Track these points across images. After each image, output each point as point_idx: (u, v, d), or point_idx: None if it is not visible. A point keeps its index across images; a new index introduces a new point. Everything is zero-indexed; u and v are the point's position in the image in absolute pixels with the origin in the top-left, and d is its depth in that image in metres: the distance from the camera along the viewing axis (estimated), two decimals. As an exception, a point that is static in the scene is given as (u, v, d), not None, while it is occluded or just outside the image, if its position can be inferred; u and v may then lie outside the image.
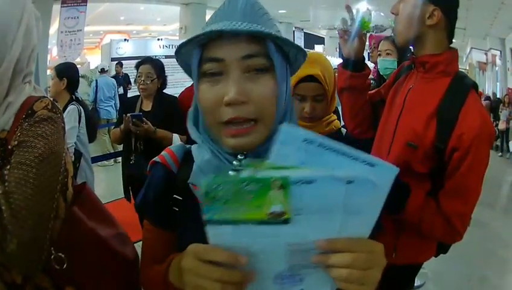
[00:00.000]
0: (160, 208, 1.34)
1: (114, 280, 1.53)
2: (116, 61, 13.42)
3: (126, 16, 22.09)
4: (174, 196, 1.32)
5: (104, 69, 12.16)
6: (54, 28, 13.90)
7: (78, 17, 13.37)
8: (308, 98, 2.38)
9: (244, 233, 0.87)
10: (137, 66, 4.84)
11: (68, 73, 4.82)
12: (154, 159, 1.39)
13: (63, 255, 1.36)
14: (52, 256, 1.38)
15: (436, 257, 2.46)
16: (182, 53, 1.21)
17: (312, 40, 28.59)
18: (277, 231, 0.87)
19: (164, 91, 4.95)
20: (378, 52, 4.19)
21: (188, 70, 1.27)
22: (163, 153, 1.39)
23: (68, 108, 4.54)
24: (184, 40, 1.15)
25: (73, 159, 4.25)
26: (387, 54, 3.91)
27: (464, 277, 5.67)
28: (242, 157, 1.17)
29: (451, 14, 2.14)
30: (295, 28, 24.43)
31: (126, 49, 13.89)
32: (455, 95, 2.04)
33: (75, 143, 4.49)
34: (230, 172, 1.04)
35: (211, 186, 0.84)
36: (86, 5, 13.54)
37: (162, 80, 4.88)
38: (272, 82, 1.12)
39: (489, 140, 2.04)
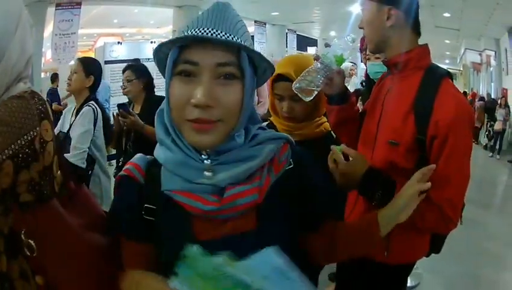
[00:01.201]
0: (133, 221, 1.36)
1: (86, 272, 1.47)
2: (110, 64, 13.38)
3: (119, 18, 22.01)
4: (146, 205, 1.34)
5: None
6: (48, 31, 13.84)
7: (72, 20, 13.34)
8: (285, 98, 2.48)
9: None
10: (122, 72, 4.91)
11: (97, 71, 4.57)
12: (120, 174, 1.41)
13: (33, 243, 1.32)
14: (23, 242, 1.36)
15: (427, 256, 2.46)
16: (161, 51, 1.31)
17: (305, 42, 28.58)
18: None
19: (158, 94, 4.95)
20: (367, 56, 4.19)
21: (162, 69, 1.35)
22: (127, 166, 1.42)
23: (83, 109, 4.25)
24: (165, 40, 1.26)
25: (85, 165, 4.06)
26: (376, 57, 3.91)
27: (458, 276, 5.68)
28: (206, 157, 1.29)
29: (409, 9, 2.15)
30: (288, 30, 24.39)
31: (119, 52, 13.83)
32: (428, 86, 2.07)
33: (88, 148, 4.11)
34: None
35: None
36: (80, 8, 13.54)
37: (146, 81, 4.90)
38: (239, 90, 1.25)
39: (468, 122, 2.05)
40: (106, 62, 12.97)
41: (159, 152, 1.36)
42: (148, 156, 1.45)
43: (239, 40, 1.23)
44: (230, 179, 1.28)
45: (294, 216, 1.44)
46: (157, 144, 1.40)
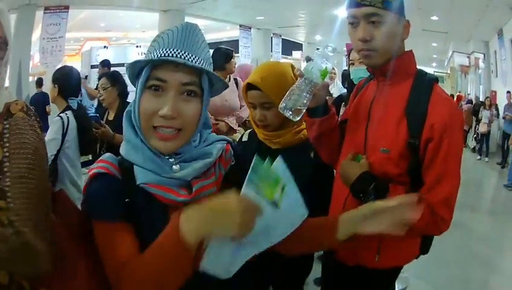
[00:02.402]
0: (117, 205, 1.46)
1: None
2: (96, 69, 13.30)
3: (106, 22, 22.00)
4: (127, 200, 1.47)
5: (86, 76, 12.11)
6: (36, 35, 13.86)
7: (59, 24, 13.42)
8: (257, 106, 2.50)
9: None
10: (98, 79, 5.05)
11: (59, 79, 4.66)
12: (94, 171, 1.51)
13: None
14: None
15: (417, 258, 2.43)
16: (135, 66, 1.50)
17: (290, 46, 28.75)
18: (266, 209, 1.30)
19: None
20: (351, 62, 4.14)
21: (133, 79, 1.56)
22: (100, 164, 1.54)
23: (54, 118, 4.38)
24: (139, 60, 1.47)
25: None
26: (361, 62, 3.87)
27: (447, 279, 5.67)
28: (172, 159, 1.52)
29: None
30: (273, 34, 24.42)
31: (105, 57, 13.79)
32: (420, 91, 2.08)
33: (56, 159, 4.23)
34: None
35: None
36: (68, 12, 13.60)
37: (121, 88, 5.03)
38: (198, 105, 1.51)
39: (460, 125, 2.09)
40: (92, 66, 12.95)
41: (128, 150, 1.54)
42: (116, 156, 1.58)
43: (203, 62, 1.49)
44: (194, 173, 1.51)
45: None
46: (124, 143, 1.57)
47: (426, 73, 2.20)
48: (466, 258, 6.41)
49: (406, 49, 2.19)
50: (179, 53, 1.43)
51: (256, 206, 1.26)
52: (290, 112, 1.99)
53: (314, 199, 1.85)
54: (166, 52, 1.43)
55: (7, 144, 1.42)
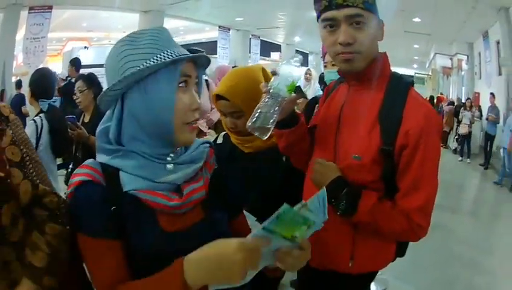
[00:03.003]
0: (102, 219, 1.41)
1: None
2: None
3: (88, 22, 21.99)
4: (113, 208, 1.42)
5: (67, 77, 12.01)
6: (20, 35, 13.85)
7: (43, 24, 13.47)
8: (226, 114, 2.48)
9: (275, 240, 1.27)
10: (74, 82, 5.03)
11: (32, 81, 4.73)
12: (79, 179, 1.45)
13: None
14: None
15: (393, 261, 2.40)
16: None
17: (268, 47, 28.87)
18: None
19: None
20: (324, 64, 4.11)
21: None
22: (84, 170, 1.48)
23: (29, 121, 4.39)
24: (167, 60, 1.45)
25: None
26: (333, 64, 3.84)
27: (429, 281, 5.69)
28: (173, 155, 1.55)
29: None
30: (252, 35, 24.57)
31: (86, 57, 13.70)
32: (395, 96, 2.02)
33: None
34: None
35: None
36: (51, 12, 13.63)
37: (97, 91, 4.94)
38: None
39: (436, 130, 2.06)
40: (74, 67, 12.83)
41: (111, 160, 1.49)
42: (98, 161, 1.53)
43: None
44: (185, 178, 1.53)
45: (225, 206, 1.69)
46: (100, 154, 1.53)
47: (401, 76, 2.16)
48: (448, 260, 6.43)
49: (385, 51, 2.17)
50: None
51: (258, 252, 1.26)
52: (258, 132, 1.94)
53: (288, 203, 1.85)
54: (180, 51, 1.50)
55: (21, 146, 1.48)
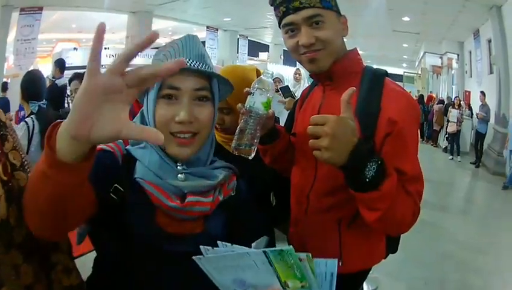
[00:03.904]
0: (102, 174, 1.40)
1: None
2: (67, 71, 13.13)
3: (77, 23, 21.97)
4: (116, 185, 1.47)
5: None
6: (11, 36, 13.87)
7: (33, 25, 13.53)
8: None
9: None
10: (69, 82, 4.92)
11: (22, 82, 4.76)
12: (101, 147, 1.53)
13: None
14: None
15: (385, 258, 2.37)
16: None
17: (256, 47, 29.00)
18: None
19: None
20: None
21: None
22: (111, 144, 1.58)
23: (21, 123, 4.42)
24: None
25: None
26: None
27: (420, 280, 5.67)
28: (180, 165, 1.56)
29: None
30: (240, 35, 24.73)
31: (75, 59, 13.66)
32: (370, 88, 1.99)
33: None
34: None
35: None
36: (41, 13, 13.66)
37: None
38: (211, 109, 1.58)
39: (416, 118, 2.03)
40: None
41: (133, 148, 1.58)
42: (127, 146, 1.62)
43: (209, 68, 1.57)
44: (192, 189, 1.53)
45: (231, 229, 1.69)
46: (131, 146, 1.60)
47: (374, 69, 2.11)
48: (440, 258, 6.44)
49: (355, 47, 2.17)
50: (188, 61, 1.52)
51: None
52: (243, 153, 1.93)
53: (277, 200, 1.80)
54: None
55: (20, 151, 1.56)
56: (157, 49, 1.67)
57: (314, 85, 2.35)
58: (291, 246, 1.22)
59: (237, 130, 1.94)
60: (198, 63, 1.54)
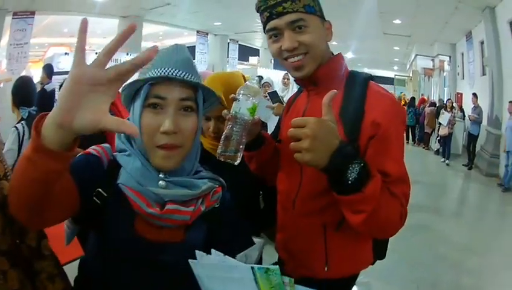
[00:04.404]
0: (86, 174, 1.49)
1: None
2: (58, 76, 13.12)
3: (69, 28, 21.96)
4: (99, 189, 1.52)
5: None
6: (4, 40, 13.88)
7: (25, 30, 13.52)
8: (212, 118, 2.43)
9: None
10: (60, 88, 4.93)
11: (13, 88, 4.80)
12: (89, 150, 1.61)
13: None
14: None
15: (373, 264, 2.35)
16: (132, 86, 1.56)
17: (247, 51, 29.08)
18: None
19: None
20: None
21: (127, 101, 1.63)
22: (98, 149, 1.63)
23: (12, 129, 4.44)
24: (139, 79, 1.54)
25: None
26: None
27: (413, 283, 5.67)
28: (163, 175, 1.55)
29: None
30: (230, 40, 24.70)
31: (66, 64, 13.59)
32: (354, 91, 1.99)
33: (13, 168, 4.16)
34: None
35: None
36: (34, 17, 13.72)
37: None
38: (195, 120, 1.59)
39: (401, 120, 2.02)
40: (54, 73, 12.73)
41: (119, 155, 1.61)
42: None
43: (196, 78, 1.58)
44: (172, 197, 1.54)
45: (211, 241, 1.62)
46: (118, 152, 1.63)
47: (358, 73, 2.13)
48: (432, 260, 6.44)
49: (340, 52, 2.15)
50: (174, 71, 1.52)
51: None
52: (229, 159, 1.93)
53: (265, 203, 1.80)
54: (163, 70, 1.52)
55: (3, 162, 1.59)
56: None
57: (301, 91, 2.35)
58: (277, 266, 1.24)
59: (223, 136, 1.94)
60: (184, 72, 1.54)
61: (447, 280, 5.91)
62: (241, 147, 1.94)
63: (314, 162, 1.64)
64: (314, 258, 2.12)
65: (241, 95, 1.94)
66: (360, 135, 1.88)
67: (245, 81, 2.17)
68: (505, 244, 7.55)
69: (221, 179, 1.78)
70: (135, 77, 1.42)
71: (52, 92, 9.42)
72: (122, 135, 1.63)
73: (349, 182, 1.64)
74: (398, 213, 1.83)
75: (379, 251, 2.34)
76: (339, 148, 1.64)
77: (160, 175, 1.55)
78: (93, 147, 1.63)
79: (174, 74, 1.51)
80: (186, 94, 1.54)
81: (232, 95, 1.97)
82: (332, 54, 2.15)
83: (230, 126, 1.93)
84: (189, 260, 1.37)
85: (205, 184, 1.64)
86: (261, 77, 10.22)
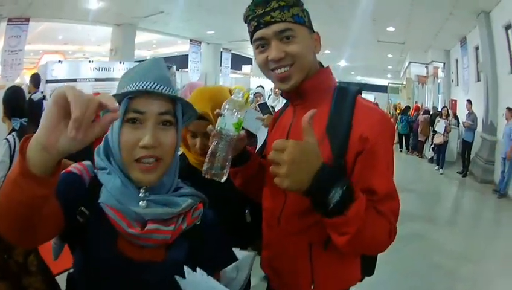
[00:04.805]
0: (70, 195, 1.47)
1: None
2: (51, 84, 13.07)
3: (64, 35, 22.05)
4: (82, 208, 1.51)
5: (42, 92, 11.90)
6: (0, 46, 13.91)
7: (20, 36, 13.59)
8: (198, 135, 2.40)
9: None
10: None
11: (4, 98, 4.76)
12: (70, 169, 1.59)
13: None
14: None
15: (361, 281, 2.28)
16: None
17: (239, 60, 29.18)
18: None
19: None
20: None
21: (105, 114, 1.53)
22: (79, 166, 1.61)
23: (2, 140, 4.39)
24: (118, 92, 1.54)
25: None
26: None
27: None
28: (143, 191, 1.53)
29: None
30: (223, 48, 24.87)
31: (59, 72, 13.57)
32: (342, 106, 1.94)
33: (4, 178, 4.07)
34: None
35: None
36: (28, 24, 13.80)
37: None
38: (174, 134, 1.58)
39: (390, 135, 1.97)
40: (47, 81, 12.69)
41: (99, 173, 1.58)
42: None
43: (174, 92, 1.57)
44: (153, 217, 1.52)
45: (193, 259, 1.64)
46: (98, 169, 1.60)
47: (347, 86, 2.08)
48: (427, 270, 6.42)
49: (328, 65, 2.14)
50: (153, 85, 1.52)
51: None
52: (215, 177, 1.89)
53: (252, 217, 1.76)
54: (141, 84, 1.51)
55: None
56: (139, 62, 1.67)
57: (288, 105, 2.31)
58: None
59: (208, 153, 1.90)
60: (163, 86, 1.54)
61: (442, 288, 5.90)
62: (227, 163, 1.90)
63: (293, 187, 1.60)
64: (300, 276, 2.08)
65: (226, 110, 1.91)
66: (347, 151, 1.85)
67: (231, 95, 2.13)
68: (500, 251, 7.57)
69: (202, 194, 1.76)
70: (114, 91, 1.46)
71: (40, 101, 9.41)
72: (101, 151, 1.61)
73: (331, 205, 1.60)
74: (385, 231, 1.81)
75: (367, 267, 2.31)
76: (320, 171, 1.60)
77: (141, 194, 1.54)
78: (74, 165, 1.62)
79: (152, 88, 1.51)
80: (165, 108, 1.54)
81: (217, 110, 1.93)
82: (322, 66, 2.11)
83: (215, 142, 1.90)
84: (176, 276, 1.40)
85: (185, 202, 1.62)
86: (262, 87, 10.07)
